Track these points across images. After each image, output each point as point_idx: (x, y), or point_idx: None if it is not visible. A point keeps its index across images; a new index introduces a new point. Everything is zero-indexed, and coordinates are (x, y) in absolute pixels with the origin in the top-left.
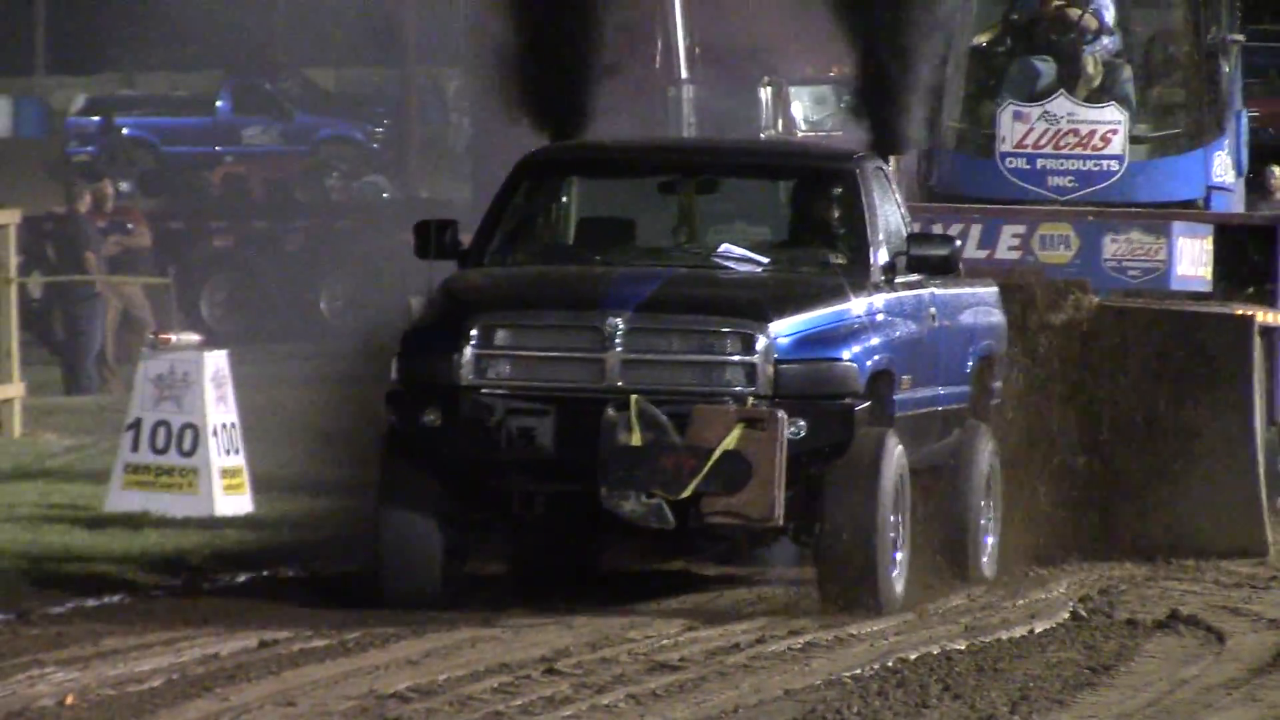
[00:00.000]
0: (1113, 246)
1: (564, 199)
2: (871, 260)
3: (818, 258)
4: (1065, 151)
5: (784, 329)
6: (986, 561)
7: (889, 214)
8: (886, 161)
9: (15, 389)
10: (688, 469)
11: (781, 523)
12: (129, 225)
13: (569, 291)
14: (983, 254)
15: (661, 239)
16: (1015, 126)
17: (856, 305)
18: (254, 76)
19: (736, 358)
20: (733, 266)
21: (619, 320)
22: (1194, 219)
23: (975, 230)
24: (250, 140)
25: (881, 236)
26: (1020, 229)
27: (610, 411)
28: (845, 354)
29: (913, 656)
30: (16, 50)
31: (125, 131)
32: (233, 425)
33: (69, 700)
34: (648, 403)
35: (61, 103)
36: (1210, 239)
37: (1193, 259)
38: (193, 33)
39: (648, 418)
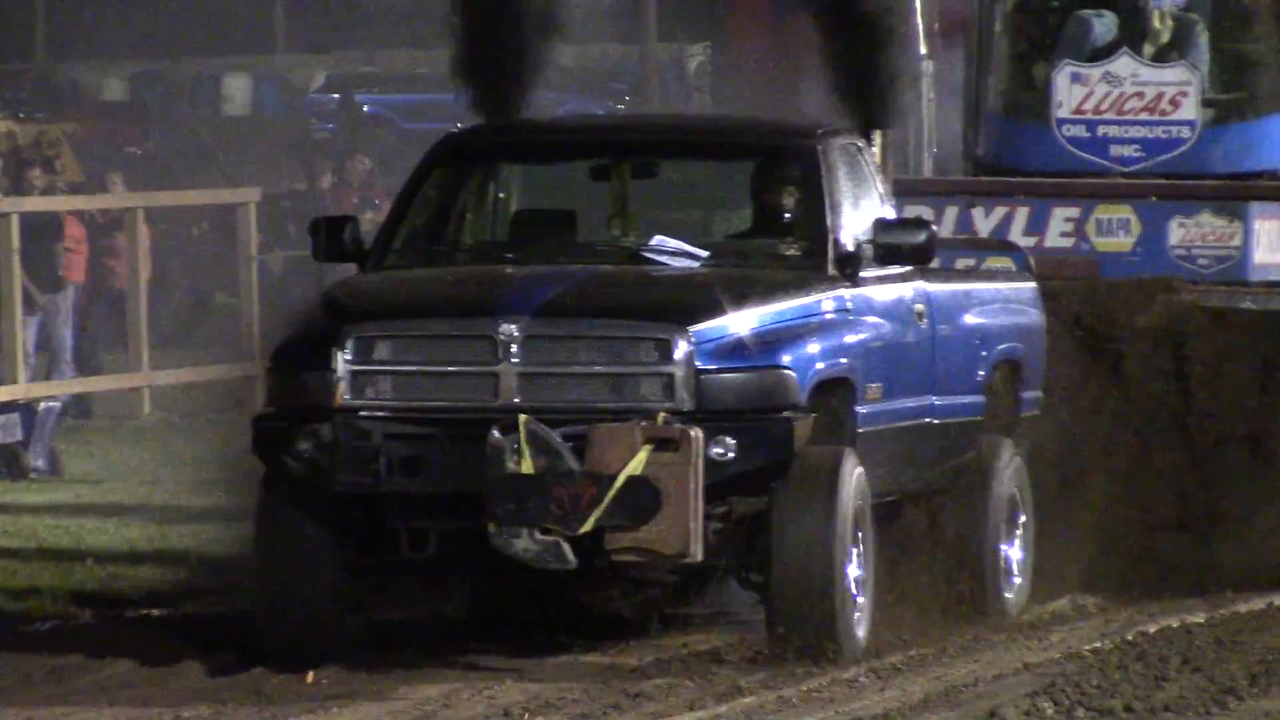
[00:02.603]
0: (1180, 232)
1: (482, 190)
2: (828, 251)
3: (768, 249)
4: (1129, 117)
5: (708, 332)
6: (1011, 597)
7: (859, 198)
8: (867, 138)
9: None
10: (586, 499)
11: (699, 558)
12: (376, 201)
13: (459, 296)
14: (1030, 241)
15: (592, 233)
16: (1073, 90)
17: (804, 303)
18: None
19: (651, 368)
20: (665, 262)
21: (514, 327)
22: (1272, 195)
23: (1021, 214)
24: None
25: (843, 223)
26: (1074, 212)
27: (496, 435)
28: (784, 359)
29: (1152, 630)
30: (256, 29)
31: (365, 109)
32: None
33: None
34: (539, 424)
35: (301, 81)
36: None
37: (1272, 243)
38: (433, 9)
39: (539, 441)
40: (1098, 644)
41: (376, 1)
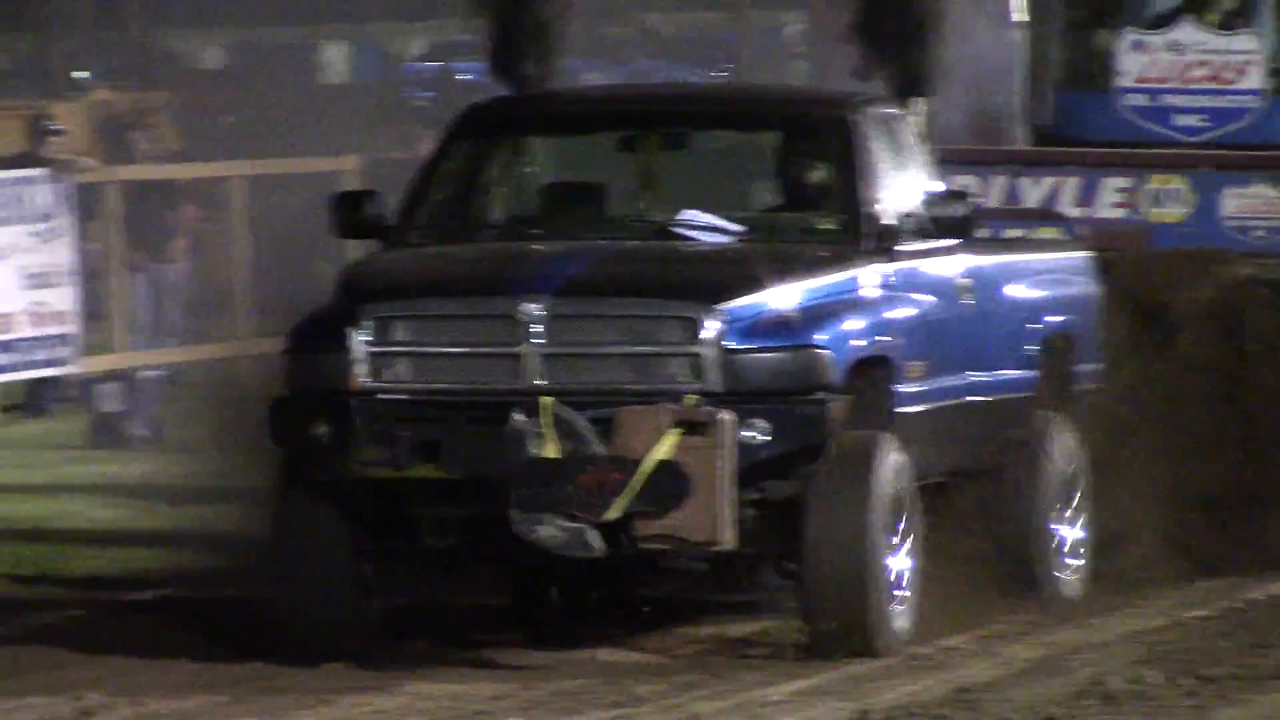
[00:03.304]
0: (1235, 203)
1: (507, 163)
2: (864, 225)
3: (802, 223)
4: (1194, 86)
5: (738, 310)
6: (1066, 579)
7: (897, 170)
8: (906, 106)
9: None
10: (611, 485)
11: (730, 545)
12: None
13: (480, 274)
14: (1080, 211)
15: (620, 208)
16: (1135, 58)
17: (840, 279)
18: (593, 22)
19: (679, 348)
20: (696, 237)
21: (536, 306)
22: None
23: (1071, 183)
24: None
25: (880, 196)
26: (1125, 182)
27: (517, 418)
28: (818, 337)
29: (1259, 597)
30: None
31: (463, 76)
32: None
33: None
34: (564, 406)
35: (399, 48)
36: None
37: None
38: None
39: (563, 425)
40: (1202, 611)
41: None
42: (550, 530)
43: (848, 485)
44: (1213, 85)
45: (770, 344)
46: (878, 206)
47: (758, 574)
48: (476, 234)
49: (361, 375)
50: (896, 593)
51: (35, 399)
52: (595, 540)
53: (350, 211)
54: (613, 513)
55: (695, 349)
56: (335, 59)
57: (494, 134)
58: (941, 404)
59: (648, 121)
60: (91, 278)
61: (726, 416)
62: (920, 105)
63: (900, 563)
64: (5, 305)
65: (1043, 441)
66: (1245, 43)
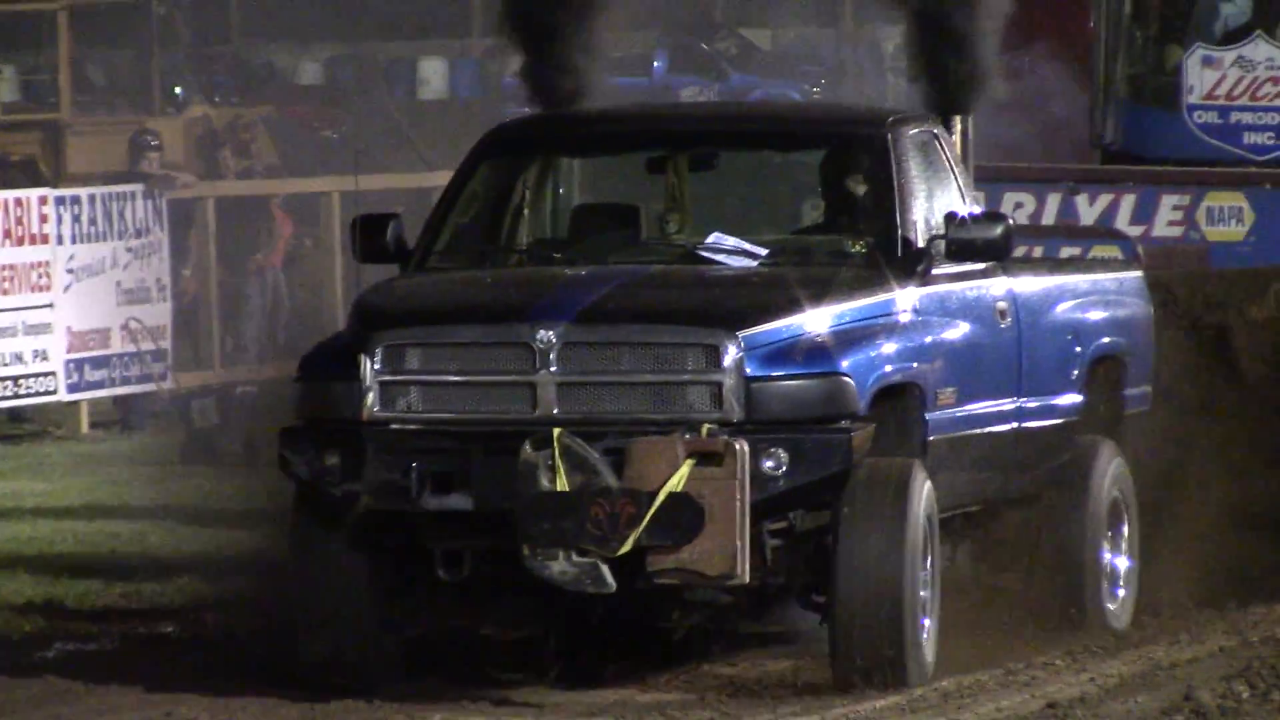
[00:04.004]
0: None
1: (531, 185)
2: (897, 248)
3: (832, 246)
4: (1264, 103)
5: (759, 337)
6: (1115, 609)
7: (933, 191)
8: (947, 125)
9: None
10: (625, 518)
11: (747, 579)
12: None
13: (495, 300)
14: (1138, 230)
15: (646, 230)
16: (1205, 74)
17: (868, 303)
18: (691, 36)
19: (699, 376)
20: (723, 261)
21: (552, 334)
22: None
23: (1128, 201)
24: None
25: (915, 218)
26: (1183, 200)
27: (528, 450)
28: (841, 364)
29: None
30: (453, 12)
31: None
32: None
33: None
34: (574, 438)
35: (498, 64)
36: None
37: None
38: None
39: (574, 457)
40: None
41: None
42: (561, 565)
43: (881, 515)
44: None
45: (792, 371)
46: (912, 228)
47: (784, 606)
48: (499, 258)
49: (373, 404)
50: (924, 622)
51: (129, 414)
52: (608, 575)
53: (371, 235)
54: (625, 547)
55: (716, 377)
56: (433, 75)
57: (519, 154)
58: (977, 430)
59: (677, 142)
60: (186, 293)
61: (742, 445)
62: (958, 124)
63: (924, 594)
64: (101, 321)
65: (1090, 467)
66: None
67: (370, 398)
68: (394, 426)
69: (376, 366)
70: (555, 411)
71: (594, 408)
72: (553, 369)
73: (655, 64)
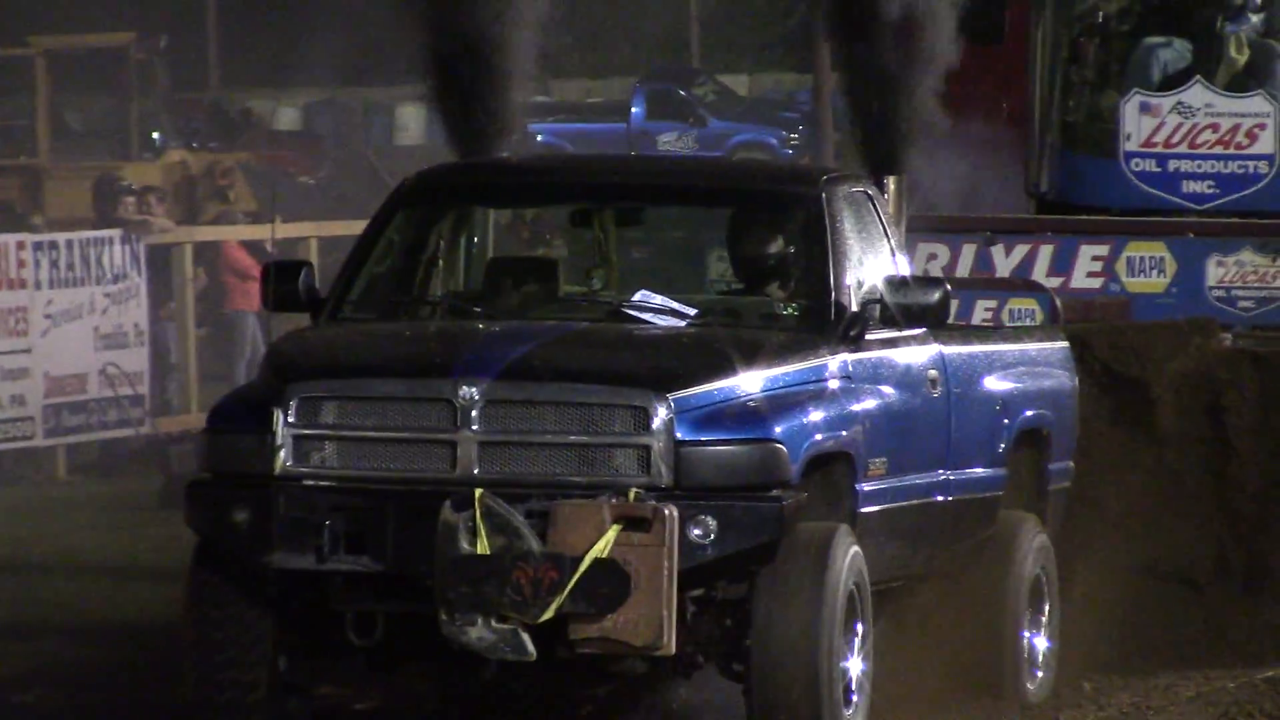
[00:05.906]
0: (1219, 271)
1: (450, 235)
2: (830, 310)
3: (763, 308)
4: (1203, 151)
5: (690, 400)
6: (1033, 687)
7: (866, 252)
8: (880, 185)
9: None
10: (547, 584)
11: (673, 650)
12: (546, 236)
13: (416, 354)
14: (1056, 281)
15: (571, 285)
16: (1142, 120)
17: (800, 368)
18: (668, 82)
19: (627, 438)
20: (649, 320)
21: (475, 391)
22: None
23: (1045, 251)
24: (664, 146)
25: (848, 280)
26: (1102, 250)
27: (448, 510)
28: (774, 430)
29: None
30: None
31: (540, 138)
32: None
33: None
34: (497, 499)
35: None
36: None
37: None
38: (608, 39)
39: (496, 519)
40: (1270, 673)
41: (553, 33)
42: (480, 632)
43: (800, 581)
44: (1222, 150)
45: (723, 436)
46: (845, 291)
47: (705, 676)
48: (417, 310)
49: (285, 459)
50: (852, 698)
51: (107, 459)
52: (528, 643)
53: (281, 283)
54: (548, 614)
55: (644, 439)
56: (411, 120)
57: (437, 203)
58: (906, 503)
59: (603, 195)
60: (162, 338)
61: (671, 511)
62: (891, 183)
63: (855, 666)
64: (79, 366)
65: (1013, 544)
66: (1256, 105)
67: (283, 453)
68: (306, 483)
69: (290, 419)
70: (476, 471)
71: (517, 468)
72: (474, 427)
73: (634, 109)
